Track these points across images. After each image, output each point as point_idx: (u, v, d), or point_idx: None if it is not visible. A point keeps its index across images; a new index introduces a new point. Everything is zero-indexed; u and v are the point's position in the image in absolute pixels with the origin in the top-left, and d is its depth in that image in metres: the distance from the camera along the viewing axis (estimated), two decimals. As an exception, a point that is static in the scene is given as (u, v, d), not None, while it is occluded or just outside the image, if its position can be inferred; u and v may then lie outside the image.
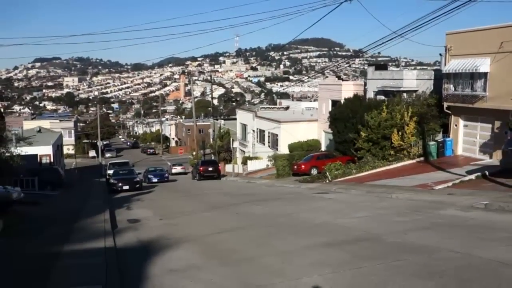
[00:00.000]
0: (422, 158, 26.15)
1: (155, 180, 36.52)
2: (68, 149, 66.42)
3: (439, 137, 27.14)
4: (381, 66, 37.53)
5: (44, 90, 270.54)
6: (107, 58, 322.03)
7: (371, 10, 23.79)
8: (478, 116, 24.41)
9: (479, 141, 24.71)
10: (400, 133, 26.43)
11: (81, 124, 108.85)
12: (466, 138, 25.77)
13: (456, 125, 26.10)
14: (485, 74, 22.89)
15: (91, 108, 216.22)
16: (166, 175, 38.54)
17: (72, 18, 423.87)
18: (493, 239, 8.67)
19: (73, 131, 78.83)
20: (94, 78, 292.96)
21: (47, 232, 12.57)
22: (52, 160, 39.70)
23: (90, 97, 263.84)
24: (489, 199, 13.00)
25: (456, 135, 26.12)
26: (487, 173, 18.53)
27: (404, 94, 29.29)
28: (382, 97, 30.87)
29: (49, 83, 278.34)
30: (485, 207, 12.27)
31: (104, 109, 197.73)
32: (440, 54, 27.84)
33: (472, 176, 18.54)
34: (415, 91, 29.15)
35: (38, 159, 37.73)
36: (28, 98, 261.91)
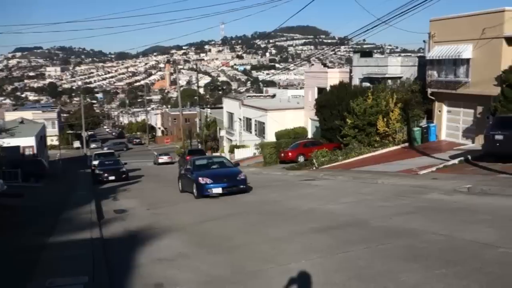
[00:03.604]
0: (407, 144, 26.42)
1: (217, 190, 16.19)
2: (51, 140, 65.53)
3: (423, 123, 27.43)
4: (366, 53, 37.63)
5: (25, 81, 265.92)
6: (90, 47, 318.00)
7: (356, -4, 23.78)
8: (461, 101, 24.69)
9: (462, 126, 25.04)
10: (385, 119, 26.64)
11: (64, 115, 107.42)
12: (450, 124, 26.08)
13: (439, 111, 26.37)
14: (468, 60, 23.12)
15: (75, 98, 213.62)
16: (242, 177, 17.00)
17: (53, 5, 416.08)
18: (475, 221, 8.84)
19: (56, 122, 77.79)
20: (77, 68, 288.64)
21: (32, 224, 12.47)
22: (35, 152, 39.20)
23: (74, 87, 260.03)
24: (472, 183, 13.22)
25: (439, 121, 26.41)
26: (469, 157, 18.81)
27: (389, 81, 29.46)
28: (368, 84, 31.01)
29: (31, 73, 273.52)
30: (468, 191, 12.48)
31: (88, 99, 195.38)
32: (424, 41, 28.04)
33: (455, 161, 18.82)
34: (400, 77, 29.33)
35: (21, 151, 37.23)
36: (9, 88, 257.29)
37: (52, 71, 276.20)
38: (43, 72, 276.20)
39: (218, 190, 16.09)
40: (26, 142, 38.73)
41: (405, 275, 6.09)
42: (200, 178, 16.41)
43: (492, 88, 21.29)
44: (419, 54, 36.39)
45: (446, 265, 6.34)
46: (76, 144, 77.22)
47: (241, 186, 16.58)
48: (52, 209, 14.94)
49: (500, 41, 21.11)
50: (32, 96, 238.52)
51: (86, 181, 29.58)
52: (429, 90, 26.11)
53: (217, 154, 48.02)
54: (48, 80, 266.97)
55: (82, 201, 16.72)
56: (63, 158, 54.76)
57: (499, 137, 16.69)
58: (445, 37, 24.53)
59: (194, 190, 16.57)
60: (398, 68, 30.00)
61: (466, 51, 22.88)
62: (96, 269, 7.27)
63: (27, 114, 65.57)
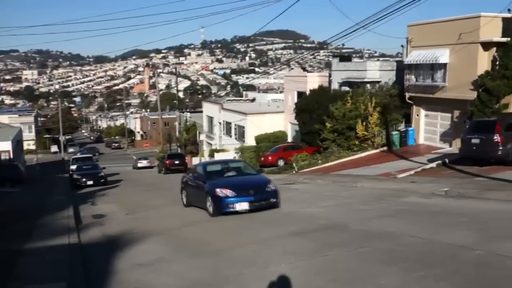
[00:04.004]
0: (385, 148, 26.68)
1: (243, 206, 12.22)
2: (28, 145, 64.32)
3: (402, 126, 27.74)
4: (345, 58, 37.96)
5: (1, 84, 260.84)
6: (68, 50, 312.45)
7: (335, 1, 24.05)
8: (439, 106, 25.06)
9: (439, 130, 25.40)
10: (364, 123, 26.89)
11: (42, 119, 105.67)
12: (427, 128, 26.43)
13: (417, 115, 26.72)
14: (445, 65, 23.48)
15: (52, 102, 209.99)
16: (273, 187, 12.98)
17: (30, 8, 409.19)
18: (452, 224, 8.98)
19: (33, 126, 76.44)
20: (55, 71, 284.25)
21: (8, 229, 12.19)
22: (11, 156, 38.45)
23: (51, 91, 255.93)
24: (449, 186, 13.43)
25: (417, 125, 26.76)
26: (447, 161, 19.11)
27: (368, 85, 29.76)
28: (347, 88, 31.29)
29: (7, 77, 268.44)
30: (445, 194, 12.67)
31: (66, 103, 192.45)
32: (402, 46, 28.39)
33: (433, 164, 19.09)
34: (378, 82, 29.66)
35: (-3, 155, 36.49)
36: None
37: (29, 75, 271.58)
38: (20, 76, 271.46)
39: (244, 205, 12.15)
40: (2, 147, 38.01)
41: (384, 278, 6.13)
42: (218, 190, 12.36)
43: (468, 93, 21.68)
44: (397, 59, 36.90)
45: (424, 267, 6.42)
46: (54, 148, 75.94)
47: (272, 200, 12.62)
48: (29, 215, 14.65)
49: (476, 46, 21.52)
50: (8, 100, 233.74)
51: (64, 186, 29.09)
52: (407, 94, 26.44)
53: (197, 158, 47.72)
54: (24, 84, 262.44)
55: (60, 206, 16.42)
56: (40, 163, 53.82)
57: (475, 140, 17.02)
58: (423, 42, 24.90)
59: (209, 206, 12.61)
60: (377, 72, 30.35)
61: (443, 55, 23.24)
62: (74, 275, 7.14)
63: (3, 118, 64.32)
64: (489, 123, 17.43)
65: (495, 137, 16.32)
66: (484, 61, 21.45)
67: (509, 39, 20.60)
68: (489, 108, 20.12)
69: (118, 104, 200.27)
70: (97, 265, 8.22)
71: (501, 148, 16.23)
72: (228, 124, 48.74)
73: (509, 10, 21.26)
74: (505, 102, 20.42)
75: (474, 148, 17.08)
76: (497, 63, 20.69)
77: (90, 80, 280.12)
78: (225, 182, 13.00)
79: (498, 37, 21.12)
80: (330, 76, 36.08)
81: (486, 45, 21.38)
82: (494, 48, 21.16)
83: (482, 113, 20.00)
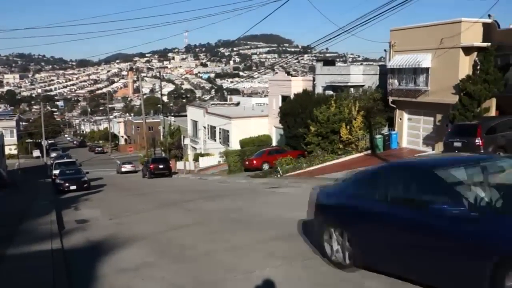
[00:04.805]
0: (369, 151, 26.92)
1: None
2: (10, 149, 63.47)
3: (385, 130, 28.04)
4: (329, 62, 38.27)
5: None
6: (51, 54, 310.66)
7: (318, 5, 24.25)
8: (421, 109, 25.40)
9: (422, 134, 25.74)
10: (348, 127, 27.10)
11: (24, 123, 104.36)
12: (410, 131, 26.76)
13: (400, 119, 27.03)
14: (427, 69, 23.83)
15: (34, 106, 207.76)
16: None
17: (11, 11, 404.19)
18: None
19: (15, 131, 75.37)
20: (37, 75, 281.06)
21: (-11, 236, 11.97)
22: (-8, 161, 37.83)
23: (33, 95, 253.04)
24: (432, 189, 13.56)
25: (401, 128, 27.06)
26: (430, 164, 19.31)
27: (352, 89, 30.01)
28: (331, 92, 31.51)
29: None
30: (428, 196, 12.79)
31: (48, 107, 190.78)
32: (385, 50, 28.76)
33: (416, 167, 19.27)
34: (362, 86, 29.94)
35: (-23, 160, 35.86)
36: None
37: (11, 79, 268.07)
38: (1, 80, 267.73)
39: None
40: (-18, 152, 37.32)
41: (368, 282, 6.17)
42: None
43: (450, 97, 22.02)
44: (380, 63, 37.30)
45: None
46: (36, 153, 74.88)
47: None
48: (10, 220, 14.40)
49: (458, 50, 21.88)
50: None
51: (47, 191, 28.69)
52: (390, 98, 26.74)
53: (181, 162, 47.49)
54: (6, 88, 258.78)
55: (42, 211, 16.17)
56: (22, 168, 53.07)
57: (457, 144, 17.29)
58: (405, 47, 25.23)
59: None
60: (360, 76, 30.63)
61: (425, 60, 23.58)
62: (56, 281, 7.04)
63: (-16, 123, 63.28)
64: (470, 126, 17.72)
65: (476, 141, 16.61)
66: (465, 66, 21.83)
67: (489, 44, 21.00)
68: (470, 111, 20.46)
69: (101, 108, 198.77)
70: (80, 271, 8.11)
71: (482, 151, 16.50)
72: (212, 128, 48.69)
73: (489, 15, 21.69)
74: (486, 106, 20.80)
75: (456, 151, 17.32)
76: (478, 67, 21.08)
77: (73, 84, 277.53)
78: None
79: (478, 42, 21.54)
80: (314, 80, 36.30)
81: (467, 50, 21.76)
82: (475, 53, 21.56)
83: (464, 117, 20.32)
